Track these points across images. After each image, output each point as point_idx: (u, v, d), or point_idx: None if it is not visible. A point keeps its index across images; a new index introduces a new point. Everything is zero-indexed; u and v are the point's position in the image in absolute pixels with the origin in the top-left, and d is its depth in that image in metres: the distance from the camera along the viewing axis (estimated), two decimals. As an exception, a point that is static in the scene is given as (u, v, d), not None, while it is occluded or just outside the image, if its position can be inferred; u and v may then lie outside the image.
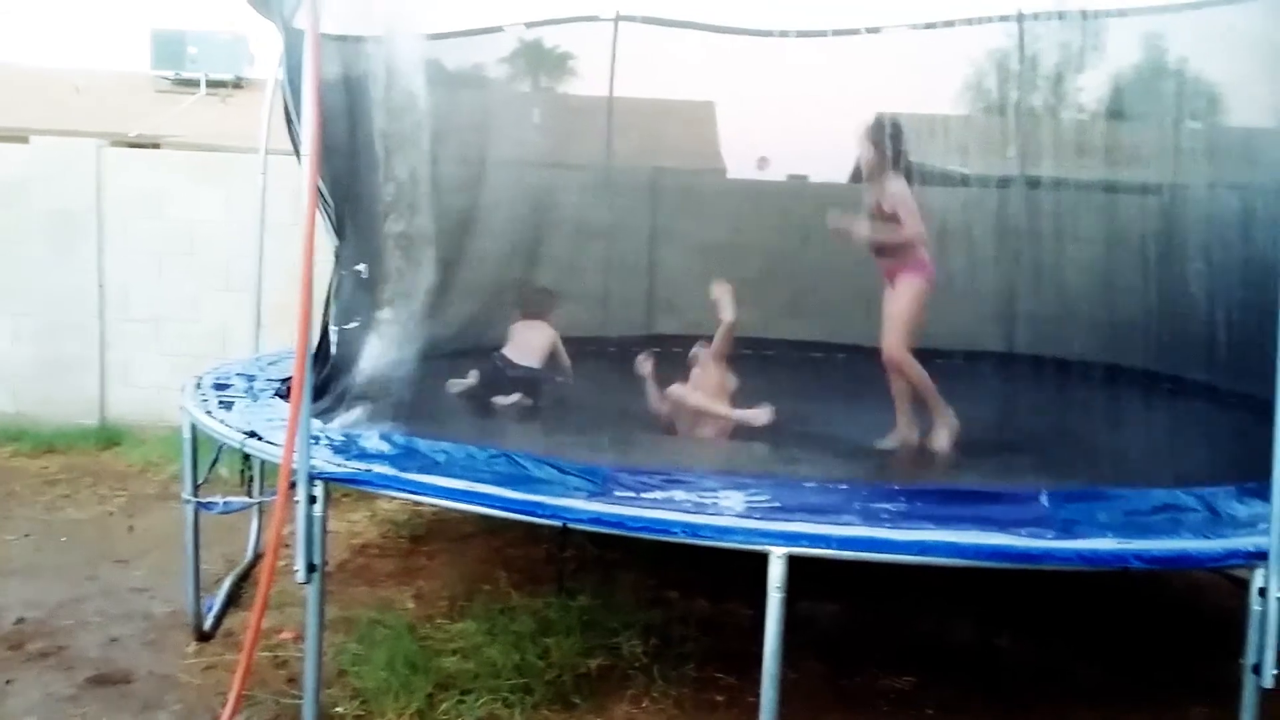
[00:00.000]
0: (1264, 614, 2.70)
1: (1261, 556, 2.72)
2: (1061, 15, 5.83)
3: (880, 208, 4.50)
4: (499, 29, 6.11)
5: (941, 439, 4.35)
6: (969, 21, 6.07)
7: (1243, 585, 3.58)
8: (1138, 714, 3.68)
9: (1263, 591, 2.71)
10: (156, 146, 8.60)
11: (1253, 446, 3.06)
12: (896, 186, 4.46)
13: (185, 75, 13.03)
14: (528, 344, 5.19)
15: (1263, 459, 2.72)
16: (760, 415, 4.57)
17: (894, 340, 4.44)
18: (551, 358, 5.24)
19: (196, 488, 3.92)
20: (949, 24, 5.97)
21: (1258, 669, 2.71)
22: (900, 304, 4.47)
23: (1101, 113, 6.05)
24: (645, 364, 4.97)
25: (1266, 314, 3.11)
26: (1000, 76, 6.71)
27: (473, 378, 5.05)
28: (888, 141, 4.51)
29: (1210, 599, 4.73)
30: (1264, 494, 2.76)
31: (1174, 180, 5.20)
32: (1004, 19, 6.16)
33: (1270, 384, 2.73)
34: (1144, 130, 5.74)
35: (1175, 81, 5.21)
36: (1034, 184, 5.81)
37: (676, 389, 4.72)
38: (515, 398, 5.00)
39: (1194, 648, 4.18)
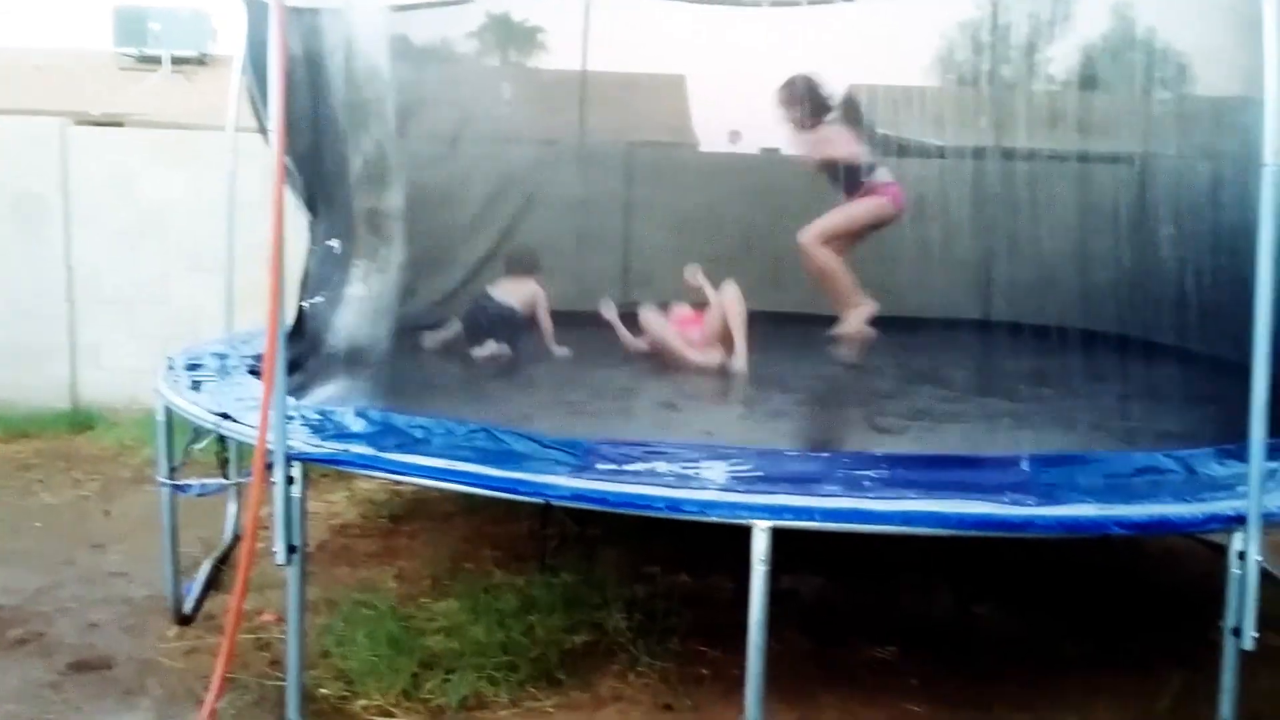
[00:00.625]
0: (1243, 577, 2.73)
1: (1240, 520, 2.74)
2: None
3: (821, 162, 4.78)
4: (467, 0, 6.04)
5: (853, 321, 4.64)
6: (942, -8, 6.06)
7: (1218, 550, 3.62)
8: (1117, 681, 3.71)
9: (1242, 555, 2.74)
10: (120, 125, 8.47)
11: (1226, 408, 3.10)
12: (821, 134, 4.75)
13: (148, 52, 12.84)
14: (509, 290, 5.23)
15: (1239, 420, 2.75)
16: (734, 362, 4.65)
17: (815, 229, 4.75)
18: (534, 312, 5.25)
19: (172, 470, 3.88)
20: (922, -6, 5.96)
21: (1238, 632, 2.74)
22: (846, 209, 4.76)
23: (1073, 83, 6.07)
24: (608, 307, 5.11)
25: (1237, 278, 3.14)
26: (972, 48, 6.72)
27: (452, 328, 5.04)
28: (803, 100, 4.80)
29: (1186, 565, 4.79)
30: (1242, 455, 2.79)
31: (1145, 149, 5.23)
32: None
33: (1243, 346, 2.76)
34: (1115, 100, 5.76)
35: (1144, 51, 5.22)
36: (1007, 155, 5.82)
37: (651, 316, 4.83)
38: (493, 348, 5.00)
39: (1171, 614, 4.24)
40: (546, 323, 5.31)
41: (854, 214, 4.81)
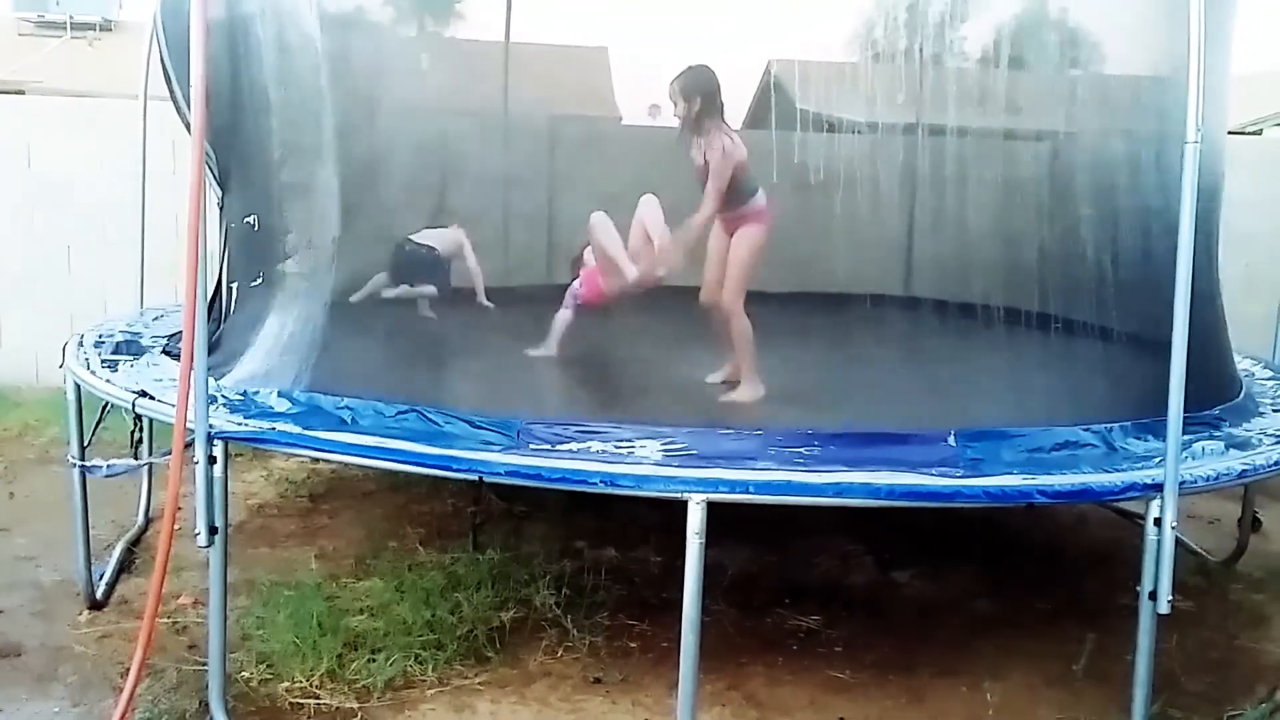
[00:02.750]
0: (1160, 543, 2.82)
1: (1158, 489, 2.83)
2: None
3: (705, 161, 4.38)
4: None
5: (745, 394, 4.30)
6: (860, -34, 6.08)
7: (1128, 517, 3.74)
8: (1032, 642, 3.83)
9: (1158, 521, 2.83)
10: (21, 93, 8.13)
11: (1144, 384, 3.19)
12: (714, 141, 4.34)
13: (49, 18, 12.33)
14: (431, 235, 5.11)
15: (1157, 396, 2.83)
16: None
17: (732, 291, 4.41)
18: (458, 252, 5.16)
19: (83, 450, 3.75)
20: (841, -31, 5.99)
21: (1154, 595, 2.84)
22: (740, 255, 4.42)
23: (989, 60, 6.16)
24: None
25: (1156, 257, 3.22)
26: (889, 25, 6.78)
27: (375, 282, 4.93)
28: (698, 95, 4.37)
29: (1095, 532, 4.96)
30: (1159, 430, 2.88)
31: (1061, 128, 5.33)
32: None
33: (1161, 324, 2.84)
34: (1030, 78, 5.86)
35: (1058, 30, 5.32)
36: (926, 131, 5.89)
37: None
38: (418, 289, 4.92)
39: (1082, 577, 4.38)
40: (476, 268, 5.22)
41: (752, 260, 4.43)
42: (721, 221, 4.49)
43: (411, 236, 5.07)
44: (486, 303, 5.25)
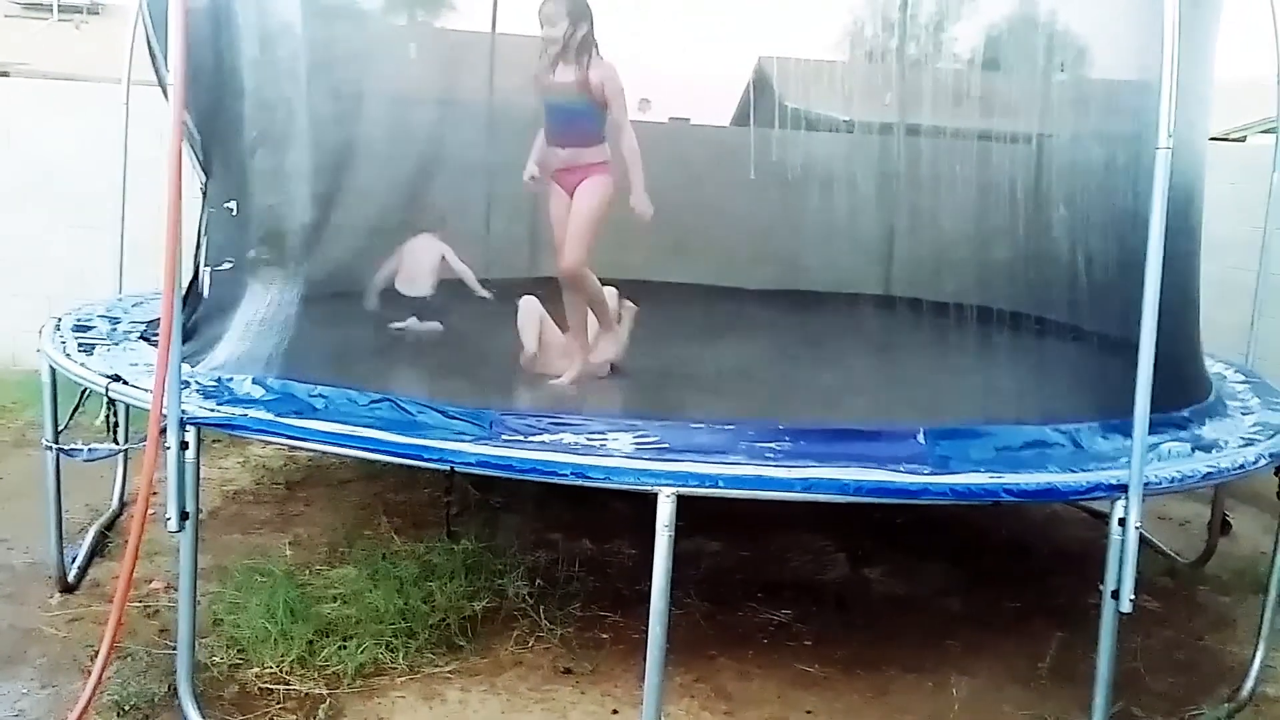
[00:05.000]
0: (1123, 542, 2.85)
1: (1122, 489, 2.86)
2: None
3: (587, 90, 4.00)
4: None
5: (607, 350, 4.26)
6: (852, -34, 6.12)
7: (1099, 517, 3.77)
8: (1000, 640, 3.87)
9: (1122, 521, 2.86)
10: (5, 75, 8.09)
11: (1113, 384, 3.22)
12: (610, 71, 4.01)
13: (36, 0, 12.26)
14: (417, 267, 5.12)
15: (1124, 396, 2.86)
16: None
17: (579, 253, 4.11)
18: (443, 263, 5.18)
19: (58, 434, 3.74)
20: (832, -32, 6.01)
21: (1116, 594, 2.87)
22: (589, 209, 4.09)
23: (976, 62, 6.19)
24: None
25: (1124, 258, 3.25)
26: (879, 24, 6.80)
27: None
28: (587, 20, 4.00)
29: (1066, 530, 4.99)
30: (1125, 430, 2.90)
31: (1041, 130, 5.36)
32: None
33: (1129, 325, 2.86)
34: (1015, 80, 5.89)
35: (1045, 34, 5.34)
36: (911, 131, 5.92)
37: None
38: (421, 324, 4.97)
39: (1051, 576, 4.41)
40: (462, 267, 5.23)
41: (601, 214, 4.11)
42: (561, 174, 4.19)
43: (398, 288, 5.05)
44: (484, 292, 5.25)
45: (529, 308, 4.42)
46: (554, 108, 4.15)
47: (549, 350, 4.40)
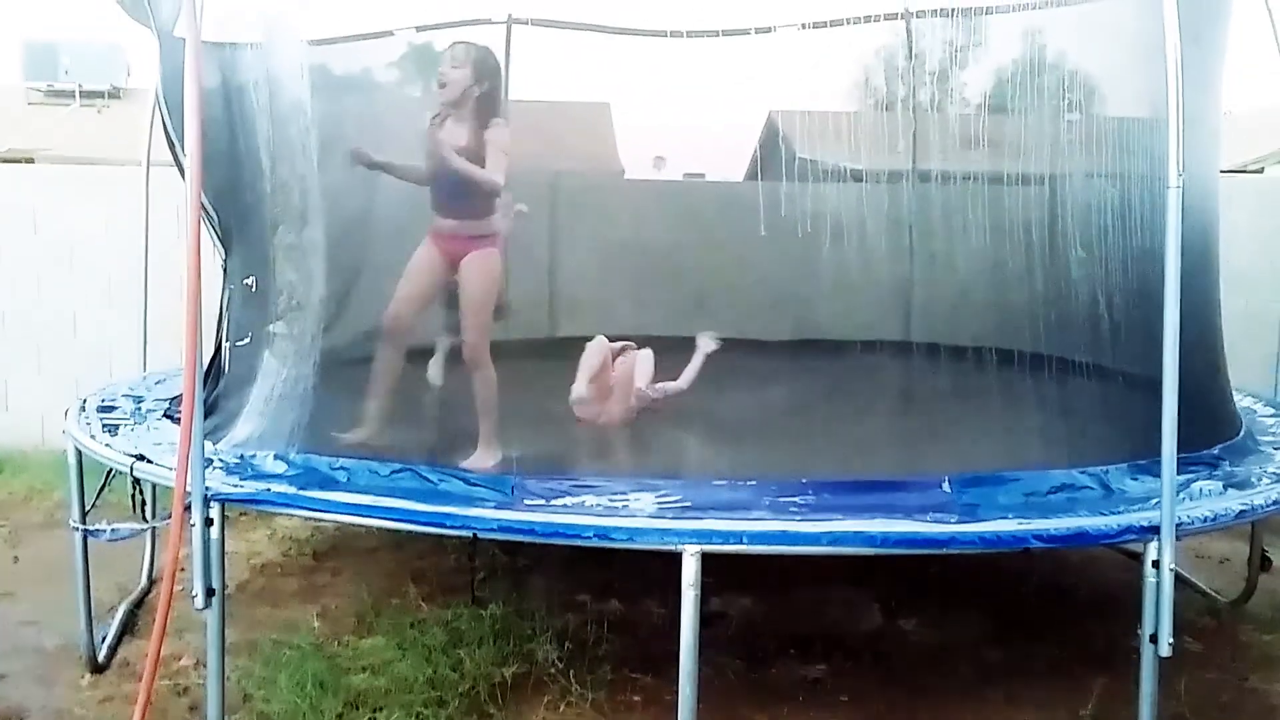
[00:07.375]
0: (1158, 585, 2.80)
1: (1154, 531, 2.82)
2: (945, 12, 5.97)
3: (477, 144, 3.79)
4: (389, 33, 6.00)
5: (482, 459, 3.76)
6: (857, 20, 6.17)
7: (1136, 558, 3.71)
8: (1040, 688, 3.78)
9: (1156, 564, 2.81)
10: (30, 161, 8.27)
11: (1141, 424, 3.18)
12: (500, 134, 3.80)
13: (59, 86, 12.56)
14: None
15: (1153, 437, 2.82)
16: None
17: (478, 336, 3.90)
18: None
19: (84, 514, 3.76)
20: (838, 23, 6.06)
21: (1154, 638, 2.81)
22: (481, 293, 3.90)
23: (986, 106, 6.21)
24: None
25: (1145, 296, 3.23)
26: (888, 74, 6.85)
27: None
28: (489, 79, 3.83)
29: (1106, 573, 4.90)
30: (1154, 470, 2.86)
31: (1055, 171, 5.36)
32: (891, 17, 6.29)
33: (1152, 364, 2.84)
34: (1026, 123, 5.91)
35: (1055, 75, 5.37)
36: (924, 177, 5.93)
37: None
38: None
39: (1091, 620, 4.33)
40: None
41: (492, 292, 3.96)
42: (442, 238, 3.96)
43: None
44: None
45: (595, 348, 4.35)
46: (441, 174, 3.88)
47: (601, 397, 4.35)
